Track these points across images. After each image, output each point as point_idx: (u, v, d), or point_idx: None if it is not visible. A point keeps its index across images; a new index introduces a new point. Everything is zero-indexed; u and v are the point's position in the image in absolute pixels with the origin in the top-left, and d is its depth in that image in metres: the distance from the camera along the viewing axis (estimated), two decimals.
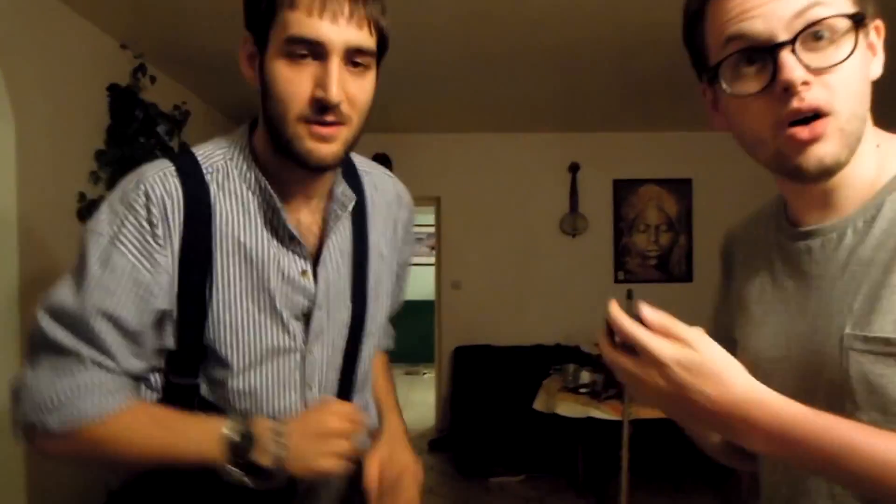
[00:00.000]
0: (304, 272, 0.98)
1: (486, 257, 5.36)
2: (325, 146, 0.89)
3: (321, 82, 0.85)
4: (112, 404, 0.88)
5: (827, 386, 0.72)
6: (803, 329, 0.77)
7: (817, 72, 0.68)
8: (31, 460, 2.33)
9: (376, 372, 1.20)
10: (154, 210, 0.89)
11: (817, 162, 0.69)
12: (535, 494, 4.07)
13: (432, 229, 5.68)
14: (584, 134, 5.36)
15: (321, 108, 0.86)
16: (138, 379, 0.94)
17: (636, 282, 5.29)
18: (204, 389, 0.96)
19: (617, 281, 5.36)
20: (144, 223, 0.89)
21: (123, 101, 2.93)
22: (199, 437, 0.89)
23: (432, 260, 5.74)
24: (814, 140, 0.68)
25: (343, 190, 1.01)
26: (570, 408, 3.35)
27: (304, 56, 0.86)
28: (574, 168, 5.35)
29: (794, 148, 0.69)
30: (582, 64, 3.62)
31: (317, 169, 0.92)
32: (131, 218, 0.89)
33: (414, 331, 8.45)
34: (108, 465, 0.98)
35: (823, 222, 0.77)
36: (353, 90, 0.89)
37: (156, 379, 0.96)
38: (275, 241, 0.96)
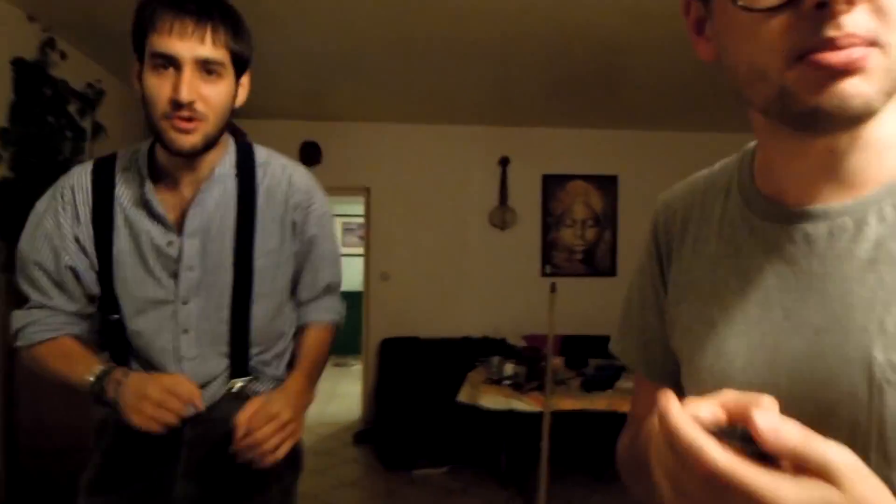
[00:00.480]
0: (169, 242, 1.25)
1: (416, 249, 5.35)
2: (185, 137, 1.14)
3: (176, 86, 1.10)
4: (43, 336, 1.23)
5: (847, 431, 0.51)
6: (799, 347, 0.55)
7: None
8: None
9: (303, 340, 1.41)
10: (66, 196, 1.25)
11: (840, 102, 0.48)
12: (458, 486, 4.10)
13: (362, 219, 5.61)
14: (514, 128, 5.41)
15: (176, 106, 1.11)
16: (83, 317, 1.29)
17: (562, 276, 5.39)
18: (125, 322, 1.27)
19: (544, 275, 5.44)
20: (59, 206, 1.25)
21: (30, 76, 2.75)
22: (80, 372, 1.19)
23: (362, 251, 5.68)
24: (848, 72, 0.48)
25: (221, 172, 1.28)
26: (493, 400, 3.38)
27: (164, 67, 1.11)
28: (504, 162, 5.39)
29: (812, 82, 0.49)
30: (513, 58, 3.65)
31: (181, 155, 1.18)
32: (53, 202, 1.26)
33: (345, 321, 8.41)
34: (48, 379, 1.29)
35: (829, 201, 0.56)
36: (207, 92, 1.14)
37: (96, 317, 1.30)
38: (146, 216, 1.25)
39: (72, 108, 3.07)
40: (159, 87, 1.11)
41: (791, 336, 0.56)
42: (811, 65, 0.48)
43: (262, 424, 1.15)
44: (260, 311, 1.32)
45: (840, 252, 0.55)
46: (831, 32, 0.47)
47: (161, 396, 1.12)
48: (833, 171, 0.56)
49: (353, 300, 6.90)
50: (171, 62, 1.10)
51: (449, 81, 4.15)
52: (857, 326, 0.52)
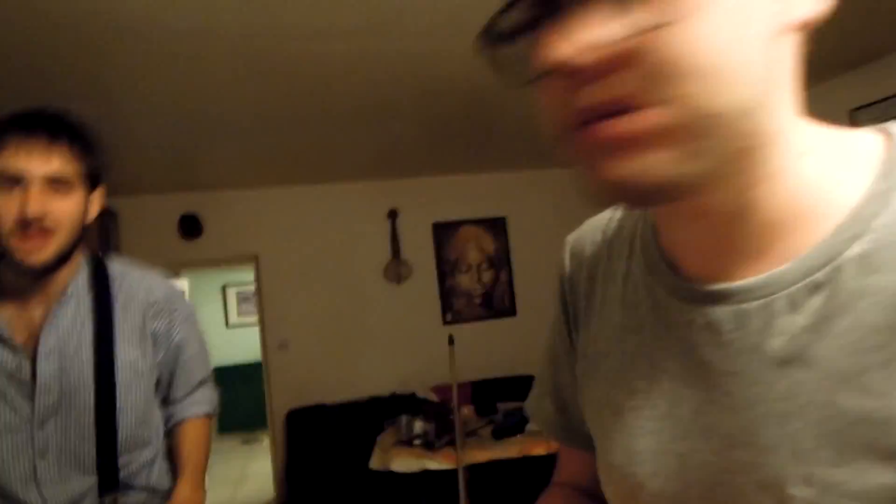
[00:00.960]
0: (19, 366, 1.19)
1: (312, 313, 5.18)
2: (36, 253, 1.13)
3: (23, 203, 1.11)
4: None
5: None
6: (709, 460, 0.46)
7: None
8: None
9: (182, 439, 1.41)
10: None
11: (623, 182, 0.39)
12: None
13: (254, 288, 5.40)
14: (400, 180, 5.41)
15: (25, 223, 1.12)
16: None
17: (464, 321, 5.38)
18: None
19: (445, 323, 5.40)
20: None
21: None
22: None
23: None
24: (621, 147, 0.39)
25: (75, 288, 1.26)
26: (404, 463, 3.25)
27: (11, 186, 1.12)
28: (393, 214, 5.36)
29: (586, 159, 0.41)
30: (388, 112, 3.65)
31: (33, 271, 1.16)
32: None
33: (248, 396, 8.00)
34: None
35: (733, 276, 0.45)
36: (56, 207, 1.14)
37: None
38: None
39: None
40: (6, 205, 1.12)
41: (701, 444, 0.46)
42: (577, 142, 0.40)
43: None
44: (125, 423, 1.30)
45: (747, 346, 0.44)
46: (585, 102, 0.38)
47: None
48: (728, 238, 0.44)
49: (254, 371, 6.65)
50: (17, 181, 1.12)
51: (329, 141, 4.10)
52: (768, 445, 0.43)
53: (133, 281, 1.37)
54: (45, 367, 1.21)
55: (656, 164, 0.38)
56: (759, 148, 0.40)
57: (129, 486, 1.31)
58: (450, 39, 2.73)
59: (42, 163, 1.14)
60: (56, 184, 1.15)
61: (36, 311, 1.23)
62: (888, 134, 0.43)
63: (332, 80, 3.02)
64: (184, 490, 1.36)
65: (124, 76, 2.76)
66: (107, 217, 4.54)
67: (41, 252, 1.14)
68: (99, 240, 4.20)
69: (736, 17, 0.36)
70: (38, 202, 1.12)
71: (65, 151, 1.17)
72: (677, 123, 0.37)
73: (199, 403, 1.47)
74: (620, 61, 0.36)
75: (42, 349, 1.21)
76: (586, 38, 0.36)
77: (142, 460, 1.34)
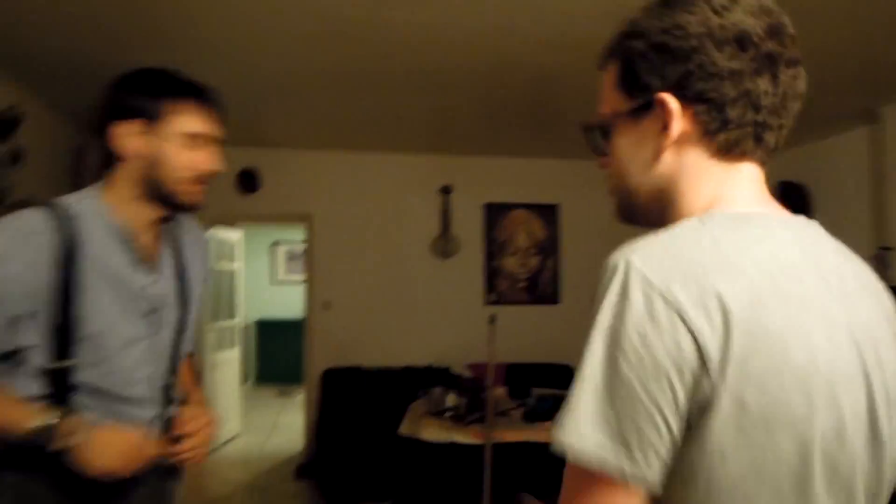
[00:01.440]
0: (147, 284, 1.39)
1: (358, 278, 5.26)
2: (201, 199, 1.40)
3: (209, 160, 1.38)
4: None
5: None
6: None
7: None
8: None
9: (185, 370, 1.59)
10: (26, 243, 1.23)
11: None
12: None
13: (305, 247, 5.50)
14: (456, 157, 5.41)
15: (206, 176, 1.39)
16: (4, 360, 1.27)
17: (506, 304, 5.38)
18: (81, 372, 1.30)
19: (487, 303, 5.42)
20: (14, 252, 1.23)
21: None
22: (17, 418, 1.21)
23: (304, 278, 5.56)
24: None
25: (172, 223, 1.50)
26: (434, 433, 3.30)
27: (194, 144, 1.35)
28: (446, 190, 5.38)
29: None
30: (453, 88, 3.65)
31: (185, 212, 1.45)
32: (5, 248, 1.23)
33: (287, 351, 8.21)
34: None
35: None
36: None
37: (31, 366, 1.27)
38: (122, 261, 1.35)
39: None
40: (193, 159, 1.35)
41: None
42: None
43: (201, 432, 1.42)
44: (184, 347, 1.54)
45: None
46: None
47: (130, 451, 1.26)
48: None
49: (296, 329, 6.80)
50: (201, 140, 1.36)
51: (390, 110, 4.12)
52: None
53: (191, 222, 1.59)
54: (159, 289, 1.42)
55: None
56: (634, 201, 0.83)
57: (172, 399, 1.50)
58: (522, 19, 2.71)
59: (216, 127, 1.40)
60: (217, 145, 1.42)
61: (148, 239, 1.42)
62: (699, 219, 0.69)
63: (401, 47, 3.03)
64: (197, 394, 1.60)
65: (197, 30, 2.82)
66: None
67: (203, 198, 1.41)
68: None
69: (630, 148, 0.77)
70: (217, 161, 1.40)
71: (221, 118, 1.43)
72: (614, 190, 0.84)
73: (191, 341, 1.61)
74: (606, 167, 0.85)
75: (159, 274, 1.43)
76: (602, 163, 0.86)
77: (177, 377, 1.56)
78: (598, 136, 0.82)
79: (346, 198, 5.28)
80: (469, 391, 3.49)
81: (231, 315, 6.14)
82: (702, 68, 0.68)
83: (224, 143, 4.32)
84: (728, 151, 0.71)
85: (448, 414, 3.41)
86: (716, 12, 0.68)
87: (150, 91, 1.34)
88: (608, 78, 0.79)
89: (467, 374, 4.36)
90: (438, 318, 5.36)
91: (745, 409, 0.60)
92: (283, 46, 3.03)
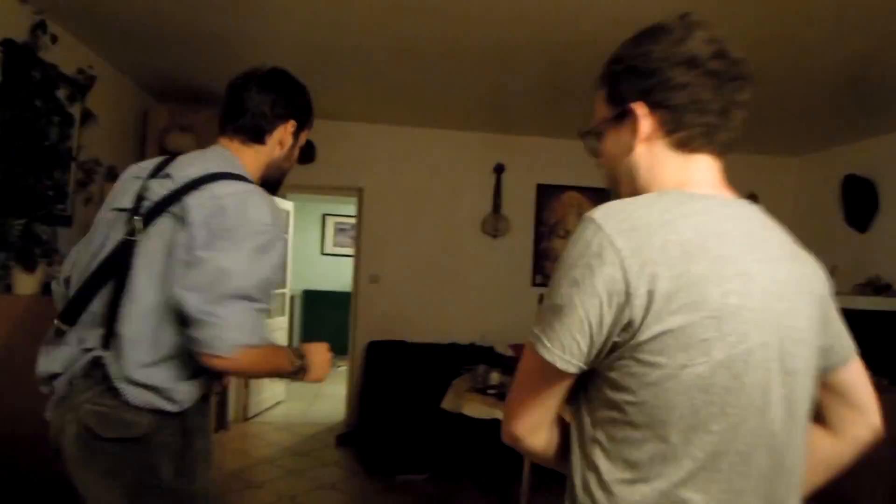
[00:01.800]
0: None
1: (407, 252, 5.30)
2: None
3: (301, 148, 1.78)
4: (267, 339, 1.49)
5: None
6: None
7: None
8: None
9: None
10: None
11: None
12: (440, 493, 4.05)
13: (354, 220, 5.56)
14: (510, 136, 5.38)
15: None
16: None
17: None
18: None
19: (535, 284, 5.40)
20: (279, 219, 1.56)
21: (19, 58, 2.69)
22: (289, 359, 1.53)
23: (353, 251, 5.63)
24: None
25: None
26: (476, 409, 3.32)
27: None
28: (499, 169, 5.36)
29: None
30: (510, 66, 3.62)
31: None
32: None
33: (332, 322, 8.35)
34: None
35: None
36: None
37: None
38: None
39: (61, 93, 3.01)
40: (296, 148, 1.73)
41: None
42: None
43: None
44: None
45: None
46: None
47: (329, 362, 1.62)
48: None
49: (343, 301, 6.90)
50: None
51: (446, 86, 4.11)
52: None
53: None
54: None
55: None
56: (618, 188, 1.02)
57: None
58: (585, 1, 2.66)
59: None
60: None
61: None
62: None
63: (464, 26, 3.01)
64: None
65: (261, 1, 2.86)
66: None
67: None
68: None
69: (615, 146, 0.99)
70: None
71: None
72: (608, 181, 1.04)
73: None
74: (602, 164, 1.05)
75: None
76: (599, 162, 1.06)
77: None
78: (593, 140, 1.05)
79: (398, 172, 5.31)
80: (514, 370, 3.49)
81: (281, 284, 6.27)
82: (661, 83, 0.92)
83: None
84: (684, 146, 0.94)
85: (491, 391, 3.42)
86: (673, 43, 0.92)
87: (309, 105, 1.72)
88: (599, 96, 1.04)
89: (510, 353, 4.37)
90: (485, 297, 5.37)
91: (670, 331, 0.81)
92: (344, 21, 3.04)
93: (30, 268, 2.64)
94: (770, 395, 0.86)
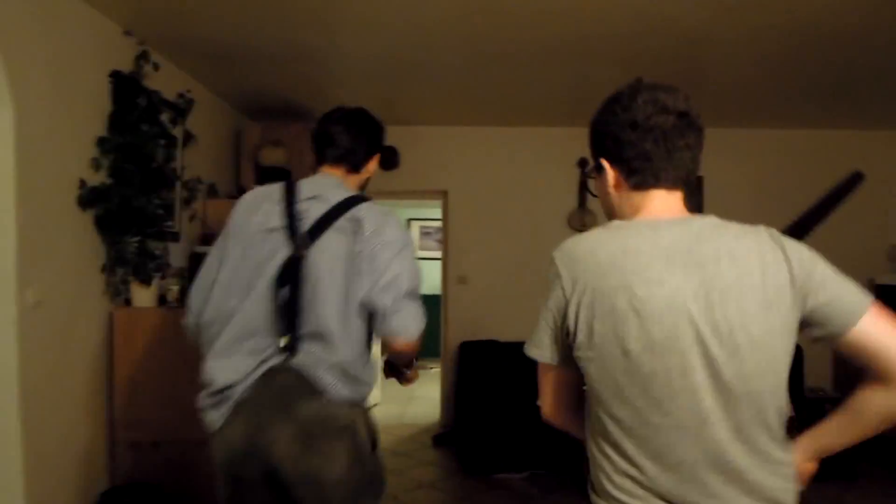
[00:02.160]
0: None
1: (493, 252, 5.32)
2: None
3: None
4: None
5: None
6: None
7: None
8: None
9: None
10: None
11: None
12: (538, 492, 4.03)
13: (440, 223, 5.63)
14: None
15: None
16: None
17: None
18: None
19: None
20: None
21: (126, 87, 2.90)
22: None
23: (440, 254, 5.69)
24: None
25: None
26: None
27: None
28: (583, 163, 5.29)
29: None
30: (590, 56, 3.57)
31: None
32: None
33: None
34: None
35: None
36: None
37: None
38: None
39: (164, 117, 3.22)
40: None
41: None
42: None
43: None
44: None
45: None
46: None
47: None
48: None
49: (432, 303, 6.96)
50: None
51: (525, 84, 4.10)
52: None
53: None
54: None
55: None
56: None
57: None
58: None
59: None
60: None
61: None
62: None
63: (541, 21, 3.00)
64: None
65: (342, 12, 2.94)
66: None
67: None
68: (313, 163, 4.58)
69: (599, 189, 1.28)
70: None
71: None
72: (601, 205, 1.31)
73: None
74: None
75: None
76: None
77: None
78: (591, 182, 1.34)
79: (481, 173, 5.33)
80: None
81: None
82: (615, 143, 1.19)
83: None
84: (640, 187, 1.19)
85: (586, 387, 3.38)
86: (621, 109, 1.19)
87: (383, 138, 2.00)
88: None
89: None
90: None
91: (594, 332, 1.10)
92: (418, 23, 3.09)
93: (146, 282, 2.83)
94: (691, 375, 1.07)
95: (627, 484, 1.11)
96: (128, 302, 2.93)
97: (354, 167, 1.88)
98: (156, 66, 3.11)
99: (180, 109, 3.46)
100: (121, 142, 2.80)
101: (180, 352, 2.85)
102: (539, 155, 5.33)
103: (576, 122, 5.17)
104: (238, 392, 1.62)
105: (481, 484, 4.18)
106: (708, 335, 1.06)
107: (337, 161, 1.85)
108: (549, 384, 1.28)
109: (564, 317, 1.14)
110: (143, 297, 2.87)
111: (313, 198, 1.74)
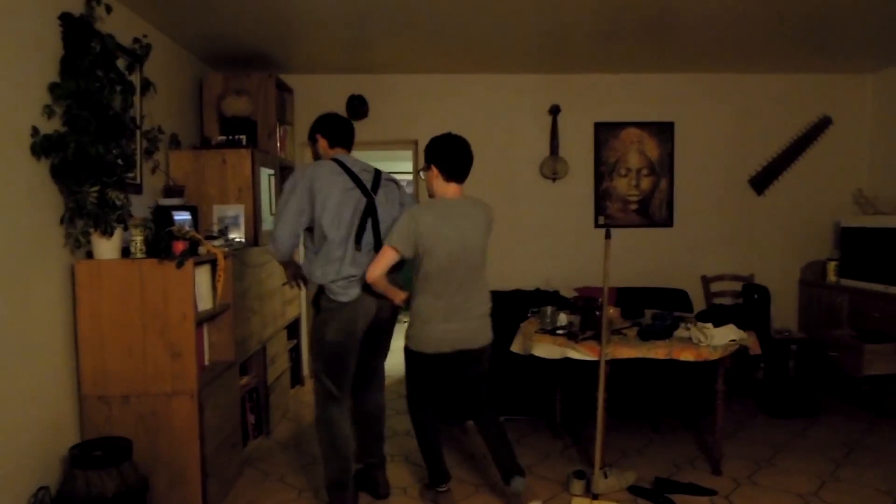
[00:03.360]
0: None
1: None
2: None
3: None
4: None
5: None
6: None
7: None
8: None
9: None
10: None
11: None
12: (512, 436, 4.08)
13: (409, 177, 5.56)
14: (564, 75, 5.23)
15: None
16: None
17: (616, 227, 5.25)
18: None
19: (597, 226, 5.31)
20: None
21: (77, 30, 2.75)
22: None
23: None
24: None
25: None
26: (546, 349, 3.32)
27: None
28: (555, 110, 5.23)
29: None
30: (564, 3, 3.48)
31: None
32: None
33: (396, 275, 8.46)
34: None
35: None
36: None
37: None
38: None
39: (120, 63, 3.08)
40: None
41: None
42: None
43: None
44: None
45: None
46: None
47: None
48: None
49: None
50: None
51: (496, 30, 4.01)
52: None
53: None
54: None
55: None
56: None
57: None
58: None
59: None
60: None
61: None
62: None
63: None
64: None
65: None
66: (284, 92, 4.79)
67: None
68: (276, 112, 4.46)
69: (430, 179, 2.99)
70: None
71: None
72: (427, 188, 3.14)
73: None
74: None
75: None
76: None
77: None
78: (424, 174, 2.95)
79: (452, 122, 5.21)
80: (582, 310, 3.46)
81: None
82: (437, 158, 2.88)
83: (333, 69, 4.76)
84: (447, 181, 2.87)
85: (561, 332, 3.41)
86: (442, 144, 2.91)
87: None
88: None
89: (576, 297, 4.32)
90: (546, 242, 5.32)
91: (431, 251, 2.77)
92: None
93: (108, 233, 2.74)
94: (459, 262, 2.81)
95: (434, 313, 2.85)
96: (90, 254, 2.85)
97: (350, 148, 3.11)
98: (108, 9, 2.95)
99: (137, 55, 3.32)
100: (74, 88, 2.67)
101: (147, 304, 2.79)
102: (511, 102, 5.26)
103: (548, 69, 5.10)
104: (360, 278, 2.83)
105: (457, 430, 4.22)
106: (467, 243, 2.83)
107: (348, 146, 3.09)
108: (387, 261, 2.76)
109: (416, 245, 2.76)
110: (105, 248, 2.79)
111: (363, 170, 2.97)
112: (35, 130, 2.53)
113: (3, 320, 2.38)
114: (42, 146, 2.54)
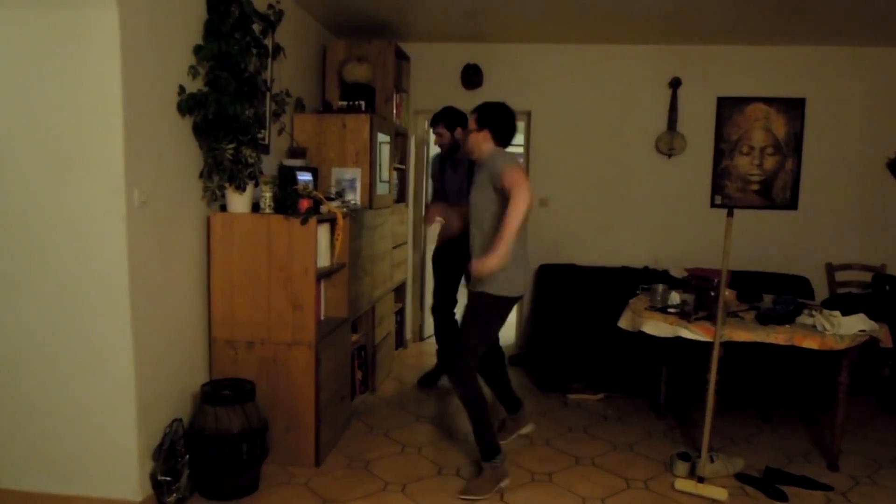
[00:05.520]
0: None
1: (576, 175, 5.21)
2: None
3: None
4: None
5: None
6: None
7: None
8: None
9: None
10: None
11: None
12: (613, 413, 4.05)
13: (521, 148, 5.53)
14: (687, 47, 5.01)
15: None
16: None
17: (735, 207, 5.01)
18: None
19: (714, 205, 5.10)
20: None
21: None
22: None
23: None
24: None
25: None
26: (657, 327, 3.24)
27: None
28: (675, 83, 5.03)
29: None
30: None
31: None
32: None
33: None
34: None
35: None
36: None
37: None
38: None
39: (255, 28, 3.23)
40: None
41: None
42: None
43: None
44: None
45: None
46: None
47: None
48: None
49: None
50: None
51: None
52: None
53: None
54: None
55: None
56: None
57: None
58: None
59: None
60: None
61: None
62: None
63: None
64: None
65: None
66: (402, 59, 4.87)
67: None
68: (394, 79, 4.55)
69: (477, 138, 3.13)
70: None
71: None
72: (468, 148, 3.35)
73: None
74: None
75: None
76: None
77: None
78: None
79: (566, 93, 5.17)
80: (696, 289, 3.35)
81: None
82: (493, 124, 2.94)
83: (450, 38, 4.82)
84: (497, 143, 2.95)
85: (672, 310, 3.32)
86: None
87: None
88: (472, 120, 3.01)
89: (686, 277, 4.19)
90: (658, 220, 5.17)
91: None
92: None
93: (241, 188, 2.92)
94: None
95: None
96: (223, 208, 3.04)
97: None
98: None
99: (270, 21, 3.46)
100: (216, 50, 2.84)
101: (273, 257, 2.95)
102: (628, 74, 5.10)
103: (670, 40, 4.91)
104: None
105: (557, 402, 4.23)
106: None
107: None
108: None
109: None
110: (237, 203, 2.97)
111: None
112: (182, 89, 2.71)
113: (152, 263, 2.59)
114: (187, 104, 2.72)
